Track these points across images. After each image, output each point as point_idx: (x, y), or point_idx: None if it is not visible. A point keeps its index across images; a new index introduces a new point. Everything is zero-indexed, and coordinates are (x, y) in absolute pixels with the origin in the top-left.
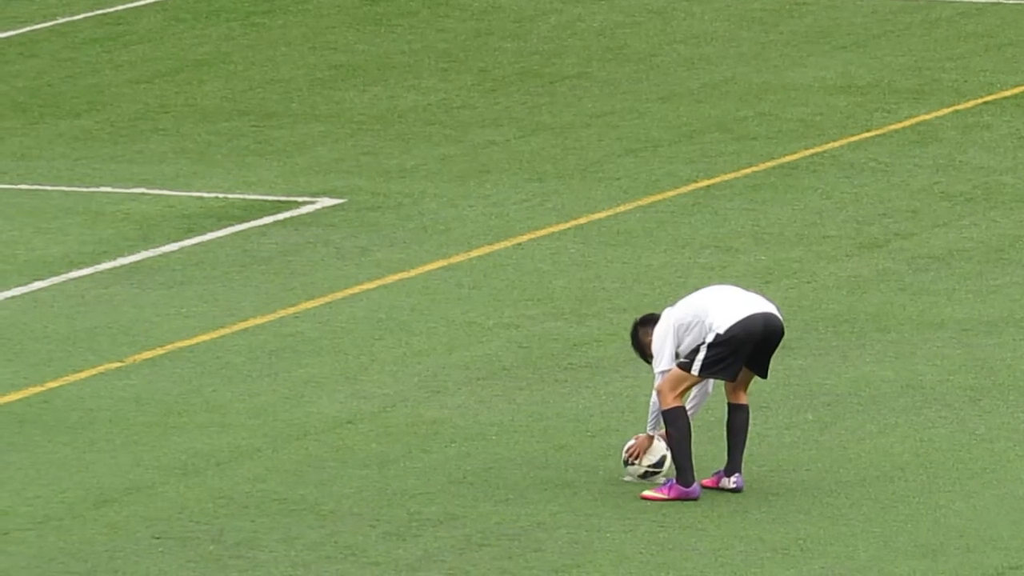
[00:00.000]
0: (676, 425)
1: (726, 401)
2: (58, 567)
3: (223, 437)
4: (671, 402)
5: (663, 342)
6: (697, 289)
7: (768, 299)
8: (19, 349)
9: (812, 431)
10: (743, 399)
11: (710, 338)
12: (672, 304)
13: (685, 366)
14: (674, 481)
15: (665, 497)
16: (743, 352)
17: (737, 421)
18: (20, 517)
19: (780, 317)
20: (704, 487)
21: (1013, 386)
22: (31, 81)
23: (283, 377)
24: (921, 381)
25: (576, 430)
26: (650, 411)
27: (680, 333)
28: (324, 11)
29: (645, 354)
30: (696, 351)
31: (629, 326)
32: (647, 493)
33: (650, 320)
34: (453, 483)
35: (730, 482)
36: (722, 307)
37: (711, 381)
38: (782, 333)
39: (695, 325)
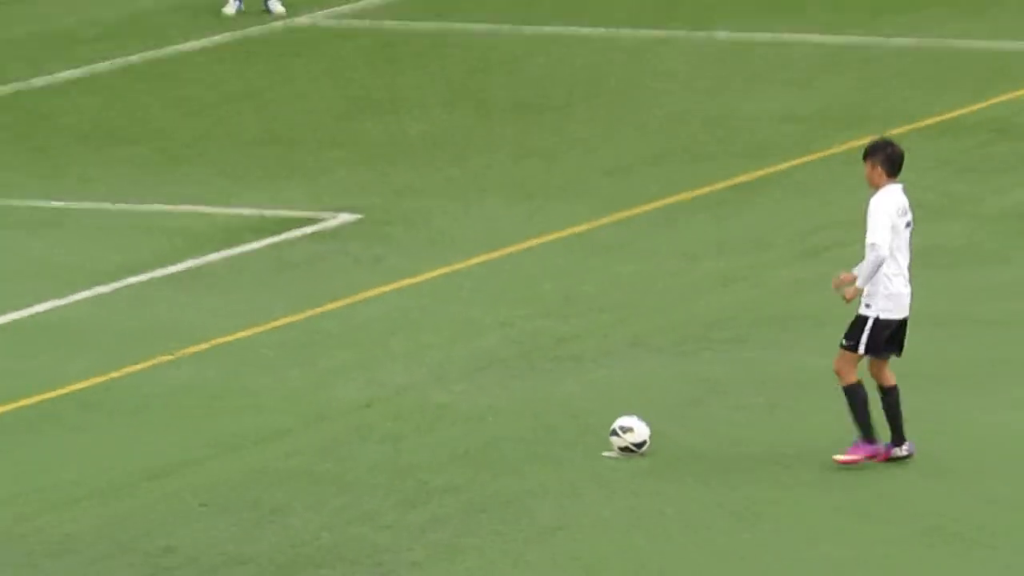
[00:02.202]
0: (856, 397)
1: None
2: (120, 530)
3: (259, 419)
4: (850, 379)
5: (878, 220)
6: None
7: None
8: (85, 344)
9: (762, 412)
10: (892, 380)
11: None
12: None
13: (852, 347)
14: (859, 441)
15: (858, 458)
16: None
17: (893, 399)
18: (87, 488)
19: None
20: (882, 460)
21: (929, 373)
22: (94, 115)
23: (310, 367)
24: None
25: (562, 412)
26: (866, 269)
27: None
28: (343, 52)
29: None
30: (860, 332)
31: (606, 325)
32: (840, 457)
33: (873, 152)
34: (456, 457)
35: (903, 450)
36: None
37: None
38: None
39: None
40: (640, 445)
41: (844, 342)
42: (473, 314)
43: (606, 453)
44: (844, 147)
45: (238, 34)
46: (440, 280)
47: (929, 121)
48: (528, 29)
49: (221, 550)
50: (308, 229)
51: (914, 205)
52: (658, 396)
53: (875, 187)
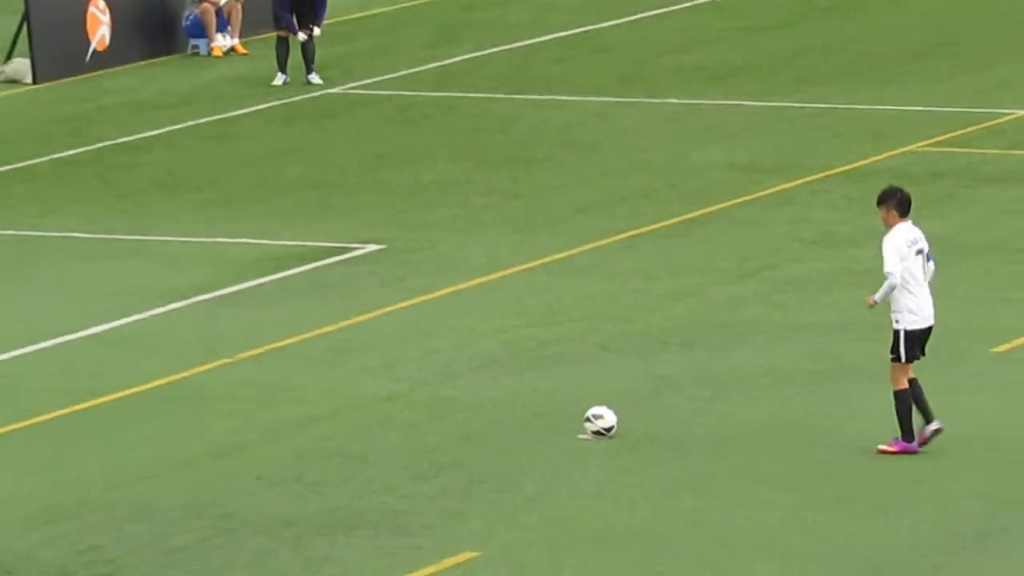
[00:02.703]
0: (902, 402)
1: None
2: (190, 498)
3: (301, 409)
4: (900, 385)
5: (888, 253)
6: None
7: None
8: (161, 349)
9: (707, 402)
10: (911, 374)
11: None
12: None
13: (896, 359)
14: (899, 439)
15: (895, 450)
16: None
17: (916, 389)
18: (164, 464)
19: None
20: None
21: (846, 372)
22: (168, 166)
23: (342, 367)
24: (782, 368)
25: (545, 402)
26: (882, 289)
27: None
28: (369, 116)
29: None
30: (897, 345)
31: (581, 332)
32: (882, 447)
33: (886, 199)
34: (460, 440)
35: (930, 429)
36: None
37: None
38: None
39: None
40: (609, 429)
41: (891, 356)
42: (473, 324)
43: (581, 436)
44: (773, 190)
45: (284, 101)
46: (447, 297)
47: (840, 169)
48: (517, 97)
49: (271, 515)
50: (341, 257)
51: (830, 235)
52: (623, 390)
53: (889, 226)
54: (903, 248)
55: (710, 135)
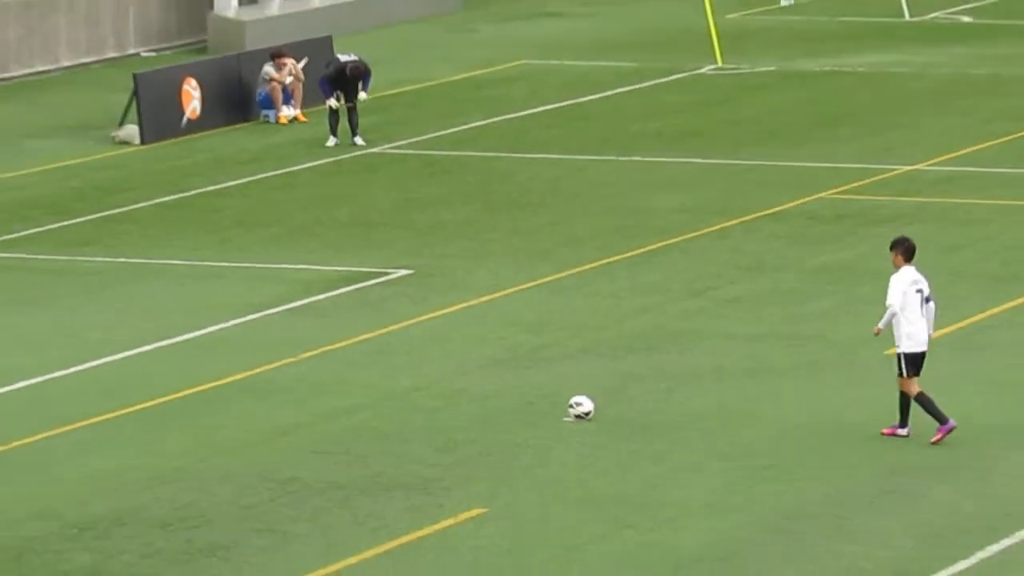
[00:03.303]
0: (925, 401)
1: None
2: (261, 466)
3: (348, 398)
4: (914, 392)
5: (891, 290)
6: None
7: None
8: (239, 352)
9: (664, 393)
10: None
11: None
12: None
13: (900, 374)
14: (940, 426)
15: (940, 437)
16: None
17: (923, 398)
18: (240, 440)
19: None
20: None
21: (772, 370)
22: (245, 208)
23: (381, 366)
24: (723, 366)
25: (537, 393)
26: (884, 318)
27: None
28: (401, 170)
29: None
30: (899, 365)
31: (565, 338)
32: (934, 439)
33: (896, 246)
34: (471, 421)
35: (903, 431)
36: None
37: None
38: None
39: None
40: (588, 414)
41: (897, 373)
42: (481, 332)
43: (566, 419)
44: (715, 228)
45: (335, 158)
46: (461, 311)
47: (767, 212)
48: (516, 155)
49: (325, 480)
50: (379, 280)
51: (760, 263)
52: (599, 383)
53: (897, 267)
54: (906, 286)
55: (667, 185)
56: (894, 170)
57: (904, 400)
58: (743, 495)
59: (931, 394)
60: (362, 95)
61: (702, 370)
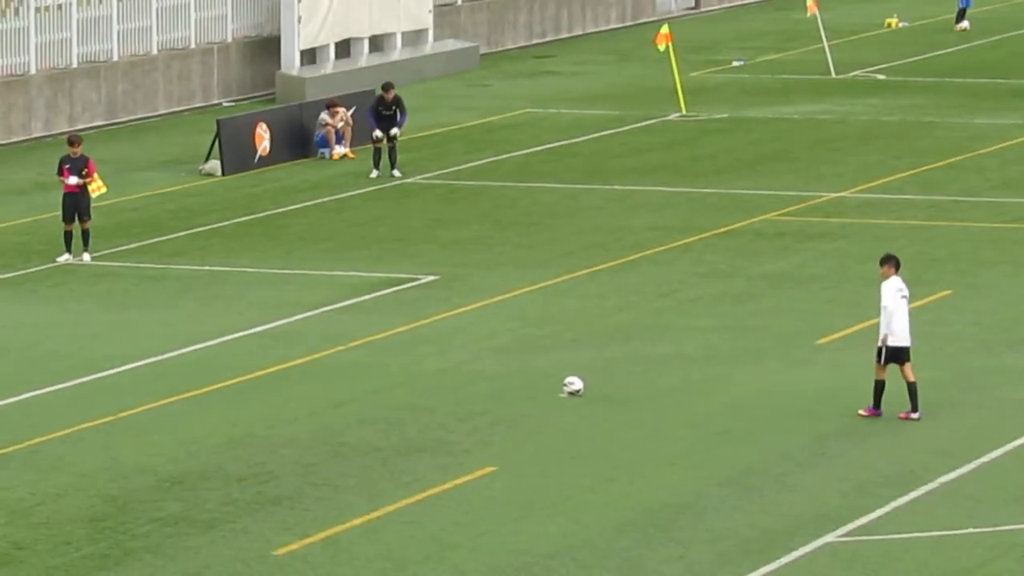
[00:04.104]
0: (877, 386)
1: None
2: (318, 434)
3: (385, 379)
4: (879, 377)
5: (885, 294)
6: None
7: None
8: (302, 341)
9: (639, 375)
10: (912, 377)
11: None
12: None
13: (877, 361)
14: (872, 407)
15: (869, 415)
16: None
17: (912, 388)
18: (301, 412)
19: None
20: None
21: (724, 356)
22: (306, 226)
23: (411, 352)
24: (686, 353)
25: (538, 375)
26: (883, 319)
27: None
28: (429, 196)
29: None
30: (880, 353)
31: (561, 331)
32: (861, 412)
33: (886, 261)
34: (485, 397)
35: (915, 415)
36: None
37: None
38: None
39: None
40: (578, 391)
41: (875, 361)
42: (493, 325)
43: (561, 395)
44: (680, 243)
45: (377, 187)
46: (477, 309)
47: (722, 230)
48: (521, 185)
49: (369, 443)
50: (412, 284)
51: (715, 272)
52: (587, 367)
53: (885, 277)
54: (894, 291)
55: (641, 209)
56: (823, 196)
57: (878, 386)
58: (703, 455)
59: (841, 379)
60: (395, 131)
61: (669, 356)
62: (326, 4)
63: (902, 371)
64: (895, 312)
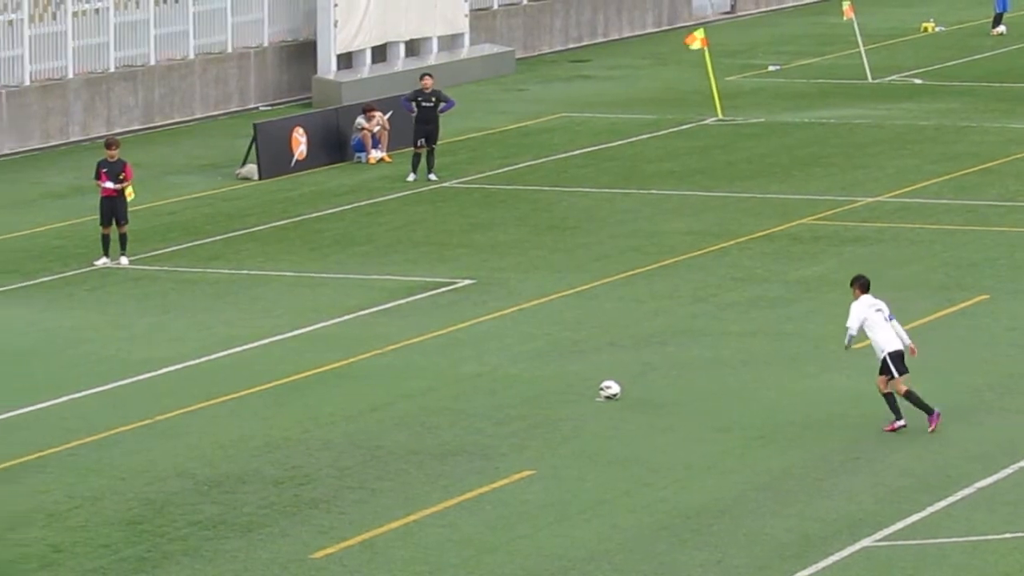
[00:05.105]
0: (912, 397)
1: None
2: (355, 437)
3: (422, 382)
4: (883, 390)
5: (852, 315)
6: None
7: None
8: (338, 344)
9: (675, 379)
10: (904, 389)
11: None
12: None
13: (891, 376)
14: (895, 420)
15: (892, 428)
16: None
17: (913, 396)
18: (339, 416)
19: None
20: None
21: (759, 360)
22: (343, 230)
23: (450, 355)
24: (721, 357)
25: (575, 378)
26: (847, 337)
27: (862, 323)
28: (466, 199)
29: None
30: (887, 366)
31: (597, 334)
32: (886, 428)
33: (856, 282)
34: (522, 401)
35: (933, 420)
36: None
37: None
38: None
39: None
40: (615, 395)
41: (888, 377)
42: (528, 330)
43: (598, 399)
44: (715, 247)
45: (414, 191)
46: (514, 313)
47: (758, 234)
48: (557, 189)
49: (407, 447)
50: (448, 288)
51: (751, 276)
52: (623, 371)
53: (855, 297)
54: (864, 310)
55: (677, 213)
56: (859, 201)
57: (889, 397)
58: (738, 460)
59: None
60: (443, 107)
61: (705, 360)
62: (362, 8)
63: (896, 385)
64: (875, 326)
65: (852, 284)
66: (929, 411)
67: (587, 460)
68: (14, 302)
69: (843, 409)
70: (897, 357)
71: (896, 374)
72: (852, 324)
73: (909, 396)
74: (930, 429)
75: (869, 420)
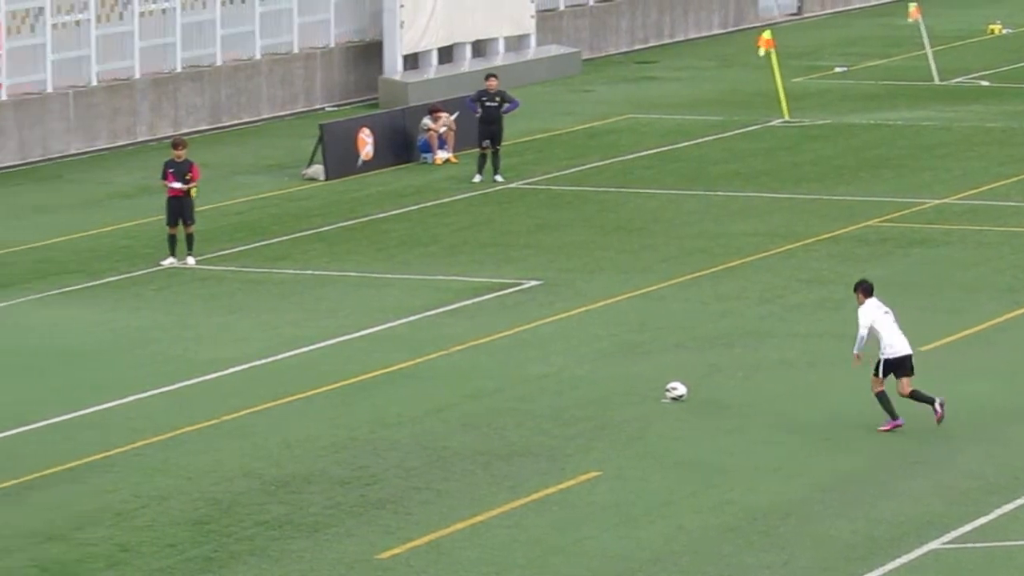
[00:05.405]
0: (883, 399)
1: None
2: (421, 438)
3: (487, 383)
4: (877, 389)
5: (860, 319)
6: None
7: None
8: (404, 345)
9: (741, 380)
10: (908, 390)
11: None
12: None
13: (876, 375)
14: (889, 420)
15: (888, 428)
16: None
17: (917, 393)
18: (405, 417)
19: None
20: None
21: (826, 362)
22: (407, 231)
23: (515, 356)
24: (788, 359)
25: (639, 380)
26: (857, 343)
27: (870, 327)
28: (533, 201)
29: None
30: (877, 367)
31: (661, 335)
32: (881, 428)
33: (859, 287)
34: (588, 402)
35: (937, 407)
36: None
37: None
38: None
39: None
40: (681, 396)
41: (872, 373)
42: (594, 330)
43: (663, 400)
44: (782, 249)
45: (480, 192)
46: (580, 314)
47: (825, 236)
48: (623, 190)
49: (470, 447)
50: (515, 288)
51: (818, 278)
52: (689, 372)
53: (860, 302)
54: (872, 314)
55: (743, 214)
56: (926, 203)
57: (882, 397)
58: (804, 462)
59: (942, 386)
60: (506, 107)
61: (771, 362)
62: (429, 9)
63: (899, 385)
64: (883, 329)
65: (855, 289)
66: (931, 402)
67: (653, 461)
68: (81, 302)
69: (909, 411)
70: (907, 359)
71: (880, 375)
72: (862, 329)
73: (913, 395)
74: (936, 420)
75: (934, 422)
